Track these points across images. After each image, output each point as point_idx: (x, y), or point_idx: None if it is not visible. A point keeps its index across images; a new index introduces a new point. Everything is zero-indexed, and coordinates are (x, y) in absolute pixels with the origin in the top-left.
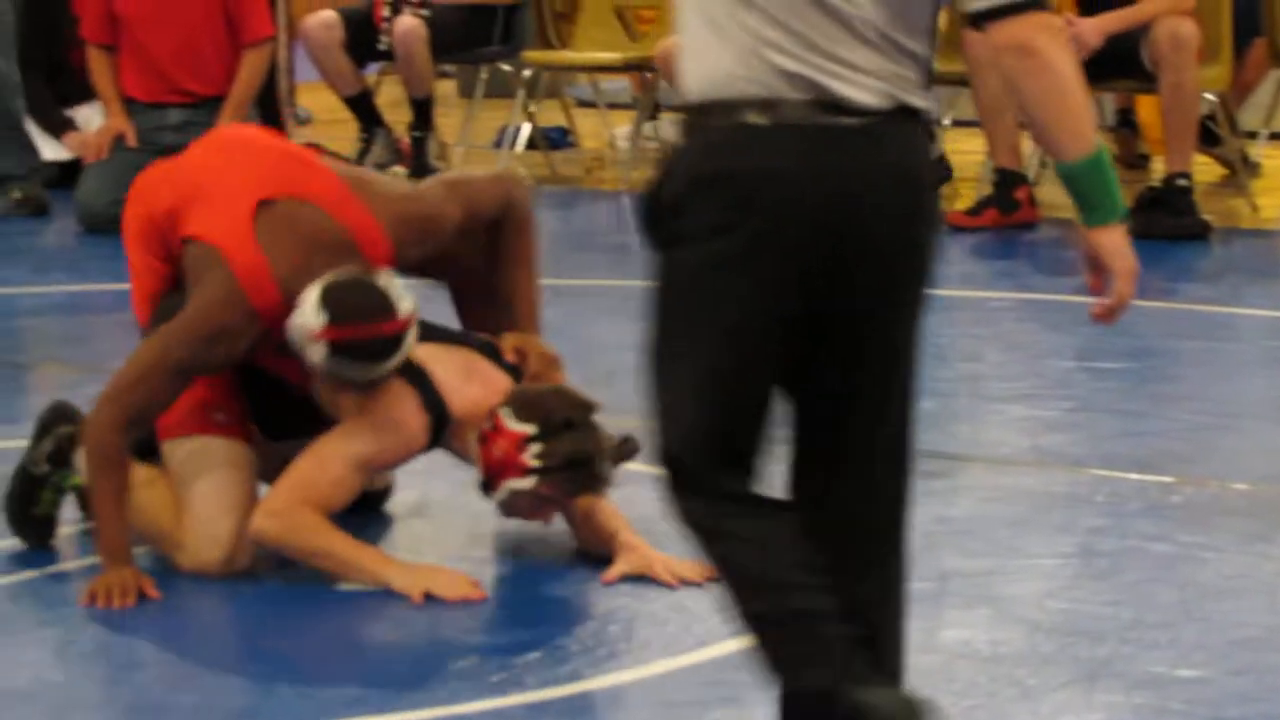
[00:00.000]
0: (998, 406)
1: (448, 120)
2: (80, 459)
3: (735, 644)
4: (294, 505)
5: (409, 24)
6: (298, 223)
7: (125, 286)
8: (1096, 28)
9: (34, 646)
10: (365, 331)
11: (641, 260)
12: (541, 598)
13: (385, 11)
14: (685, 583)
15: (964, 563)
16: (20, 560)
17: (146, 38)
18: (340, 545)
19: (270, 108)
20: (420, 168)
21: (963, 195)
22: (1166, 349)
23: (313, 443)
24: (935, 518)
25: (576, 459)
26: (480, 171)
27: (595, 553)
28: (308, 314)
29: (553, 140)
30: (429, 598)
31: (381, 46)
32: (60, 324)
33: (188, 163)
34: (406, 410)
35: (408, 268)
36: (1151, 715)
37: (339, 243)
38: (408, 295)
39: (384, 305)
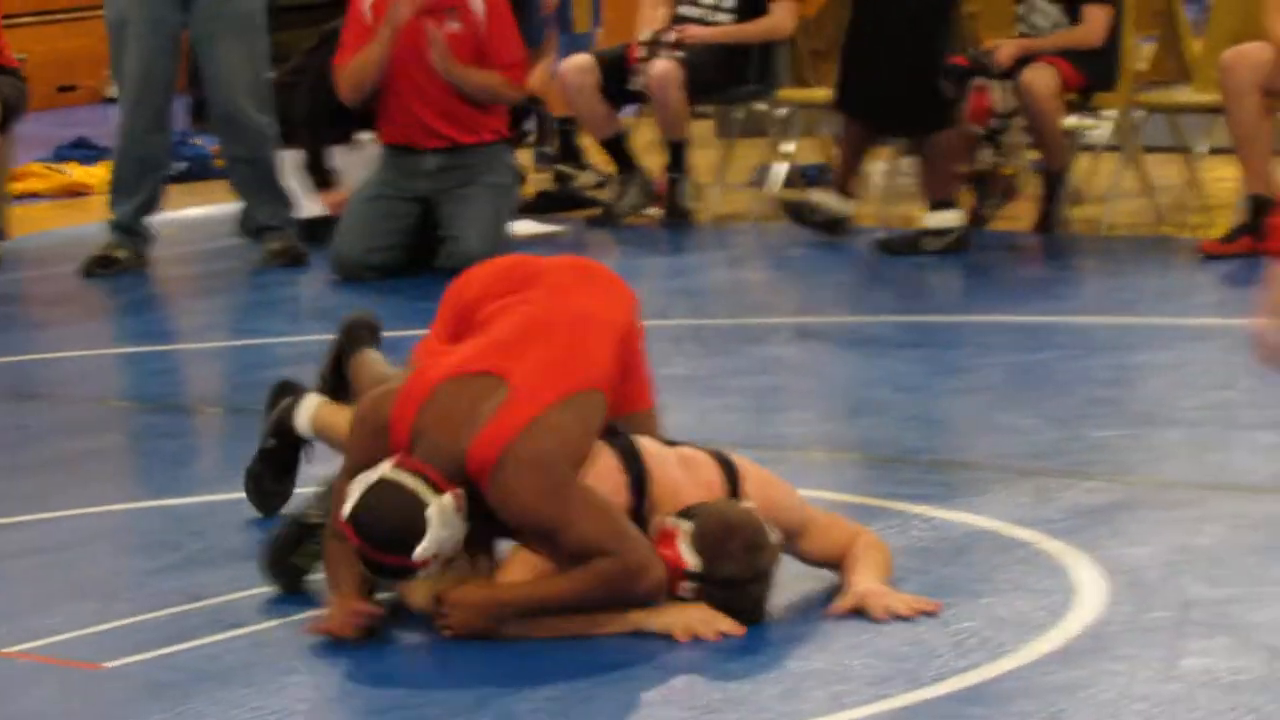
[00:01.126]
0: (1248, 434)
1: (703, 159)
2: None
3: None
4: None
5: (664, 67)
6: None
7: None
8: None
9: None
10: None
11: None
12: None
13: (641, 53)
14: (896, 617)
15: (1208, 591)
16: (268, 609)
17: (405, 82)
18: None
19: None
20: (675, 209)
21: (1217, 223)
22: None
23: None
24: (1179, 547)
25: (727, 608)
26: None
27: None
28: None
29: (810, 178)
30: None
31: (636, 88)
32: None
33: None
34: (606, 471)
35: None
36: None
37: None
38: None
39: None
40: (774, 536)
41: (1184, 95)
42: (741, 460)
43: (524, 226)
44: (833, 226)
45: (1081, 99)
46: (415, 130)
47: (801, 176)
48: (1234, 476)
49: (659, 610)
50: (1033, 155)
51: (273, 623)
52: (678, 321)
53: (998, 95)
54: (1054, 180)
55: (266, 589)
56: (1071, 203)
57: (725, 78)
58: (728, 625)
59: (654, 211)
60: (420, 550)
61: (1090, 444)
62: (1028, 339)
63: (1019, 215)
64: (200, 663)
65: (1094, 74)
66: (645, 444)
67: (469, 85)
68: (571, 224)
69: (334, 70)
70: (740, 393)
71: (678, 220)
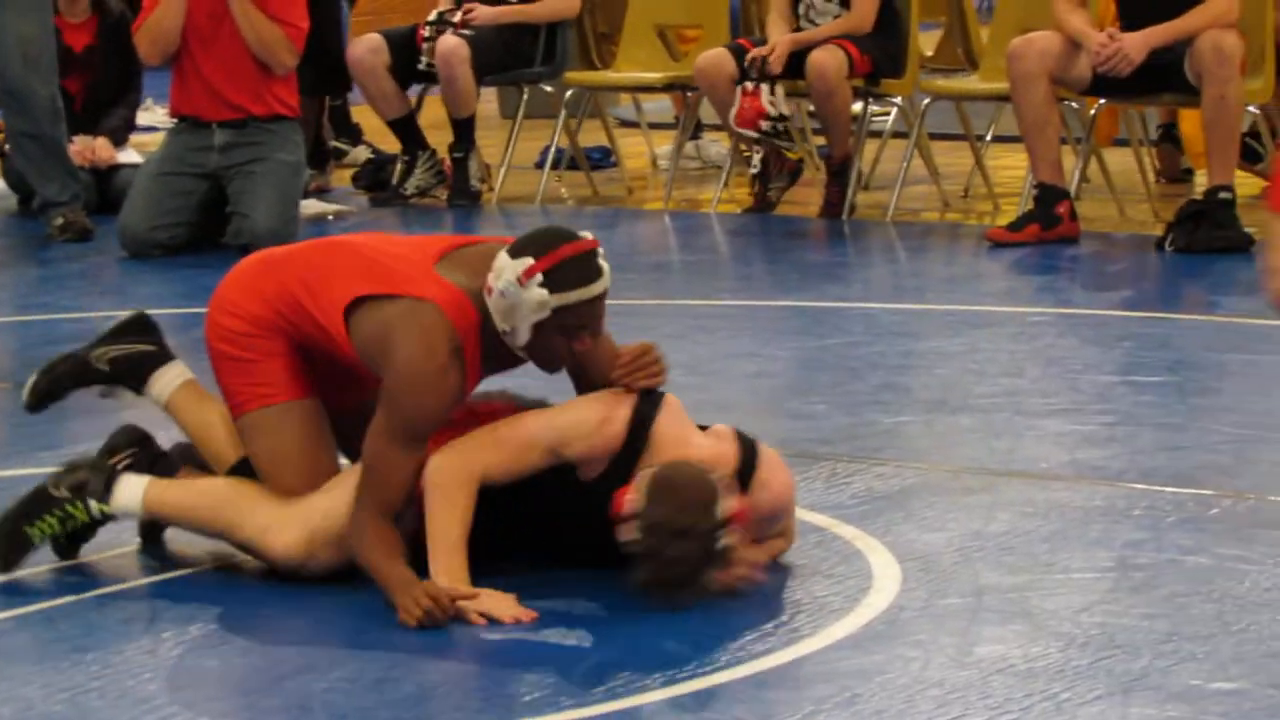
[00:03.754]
0: (1037, 422)
1: (490, 141)
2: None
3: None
4: (465, 459)
5: (451, 44)
6: (468, 254)
7: (165, 311)
8: (1141, 43)
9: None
10: (570, 250)
11: (681, 280)
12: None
13: (427, 31)
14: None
15: (1001, 578)
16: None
17: (196, 44)
18: (440, 531)
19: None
20: (462, 190)
21: (1004, 211)
22: (1207, 362)
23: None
24: (972, 533)
25: (658, 569)
26: None
27: None
28: (507, 268)
29: (595, 160)
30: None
31: (423, 67)
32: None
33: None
34: (617, 407)
35: None
36: None
37: (471, 253)
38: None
39: (570, 232)
40: (723, 510)
41: (971, 83)
42: (765, 448)
43: (311, 206)
44: None
45: (868, 85)
46: (205, 99)
47: (586, 158)
48: (1024, 463)
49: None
50: (819, 141)
51: (65, 599)
52: None
53: (768, 98)
54: (841, 166)
55: (58, 563)
56: (859, 188)
57: (512, 58)
58: (519, 612)
59: (441, 191)
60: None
61: (881, 430)
62: (816, 324)
63: (806, 200)
64: None
65: (881, 60)
66: (670, 401)
67: (253, 28)
68: (358, 203)
69: (132, 31)
70: (532, 373)
71: (465, 201)
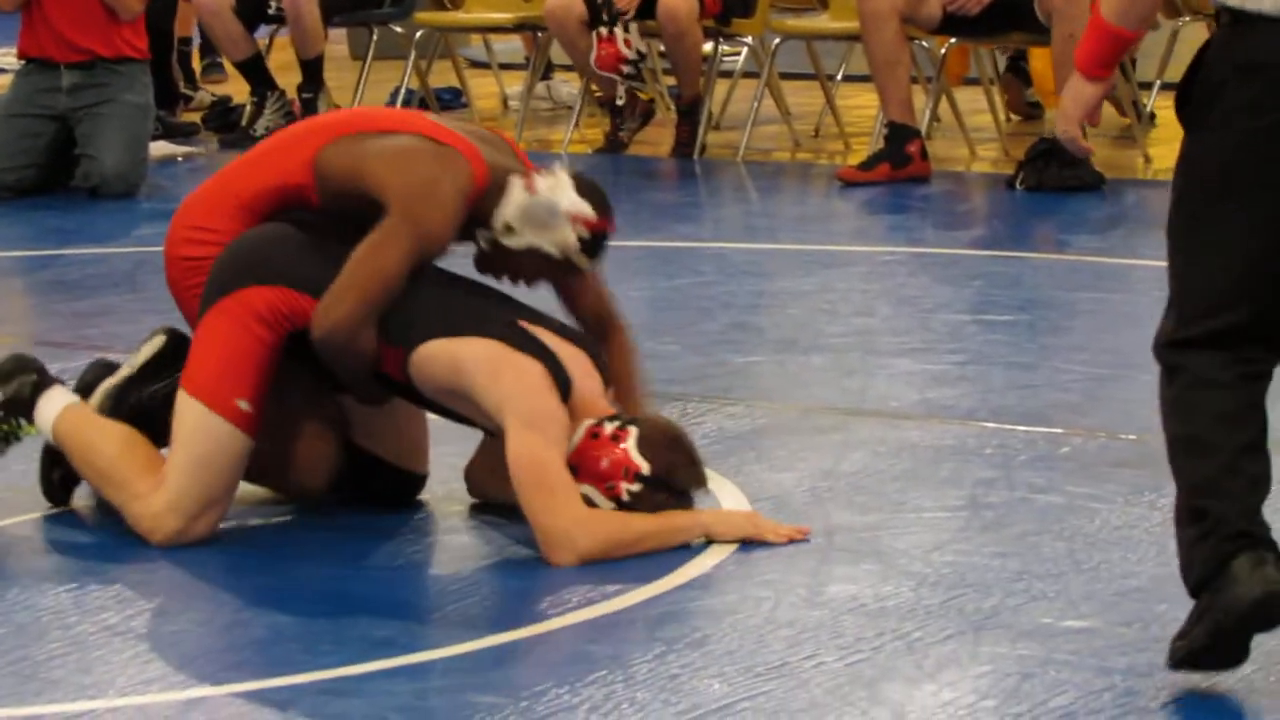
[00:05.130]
0: (888, 361)
1: (341, 83)
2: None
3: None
4: (589, 518)
5: None
6: (469, 126)
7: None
8: None
9: None
10: (610, 228)
11: None
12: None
13: None
14: None
15: (852, 517)
16: None
17: None
18: (653, 525)
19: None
20: None
21: (855, 150)
22: (1058, 301)
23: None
24: (823, 472)
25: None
26: None
27: None
28: (566, 191)
29: (445, 101)
30: None
31: (271, 10)
32: None
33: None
34: (547, 389)
35: None
36: (1037, 666)
37: (499, 140)
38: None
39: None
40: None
41: (821, 22)
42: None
43: (160, 147)
44: None
45: (719, 24)
46: (53, 42)
47: (437, 99)
48: (875, 403)
49: (722, 515)
50: (670, 81)
51: None
52: None
53: (623, 40)
54: (692, 106)
55: None
56: (710, 128)
57: None
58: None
59: None
60: None
61: (732, 369)
62: (667, 264)
63: (658, 140)
64: None
65: (732, 0)
66: (566, 360)
67: None
68: (207, 145)
69: None
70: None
71: None
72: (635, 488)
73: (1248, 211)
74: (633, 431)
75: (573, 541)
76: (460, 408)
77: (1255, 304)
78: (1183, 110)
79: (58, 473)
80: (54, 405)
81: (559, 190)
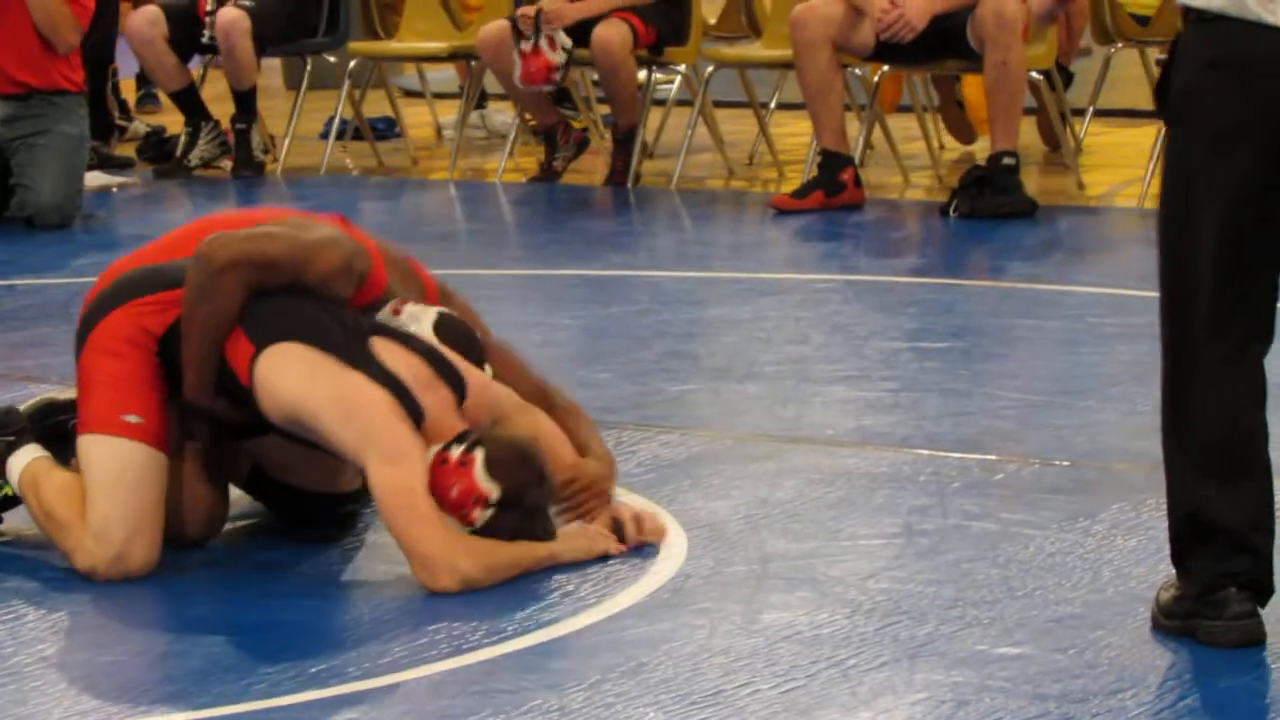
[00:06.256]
0: (823, 388)
1: (275, 112)
2: None
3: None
4: (461, 546)
5: (231, 16)
6: (386, 247)
7: None
8: (923, 9)
9: None
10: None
11: (467, 250)
12: None
13: (209, 5)
14: None
15: (787, 545)
16: None
17: None
18: (519, 551)
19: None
20: (245, 161)
21: (789, 178)
22: (992, 327)
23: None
24: (758, 500)
25: (517, 534)
26: None
27: None
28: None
29: (380, 131)
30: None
31: (205, 39)
32: None
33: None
34: (400, 416)
35: None
36: (972, 693)
37: (406, 268)
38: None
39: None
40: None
41: (754, 50)
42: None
43: (94, 178)
44: None
45: (652, 54)
46: None
47: (371, 129)
48: (810, 430)
49: (570, 542)
50: (604, 109)
51: None
52: None
53: (548, 43)
54: (627, 135)
55: None
56: (644, 157)
57: (294, 29)
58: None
59: (225, 163)
60: None
61: (666, 398)
62: (601, 293)
63: (591, 169)
64: None
65: (665, 29)
66: (408, 381)
67: (43, 7)
68: (142, 176)
69: None
70: None
71: (249, 171)
72: (487, 514)
73: (1219, 202)
74: (478, 455)
75: (454, 566)
76: (306, 435)
77: (1235, 288)
78: (1160, 107)
79: None
80: (20, 460)
81: (417, 324)
